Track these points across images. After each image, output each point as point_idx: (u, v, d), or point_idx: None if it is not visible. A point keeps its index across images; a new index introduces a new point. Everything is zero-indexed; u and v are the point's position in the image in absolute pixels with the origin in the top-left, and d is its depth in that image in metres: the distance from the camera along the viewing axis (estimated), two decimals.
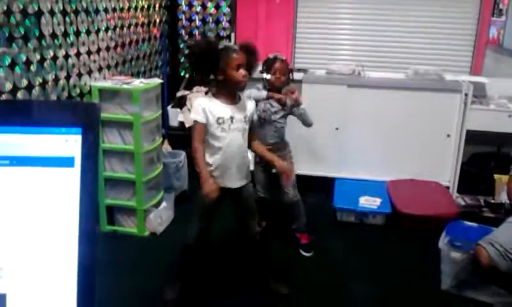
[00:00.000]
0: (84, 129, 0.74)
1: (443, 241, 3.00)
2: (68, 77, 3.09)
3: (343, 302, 2.87)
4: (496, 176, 4.01)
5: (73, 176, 0.75)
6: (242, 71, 2.42)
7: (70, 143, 0.74)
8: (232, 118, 2.46)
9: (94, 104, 0.79)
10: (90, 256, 0.75)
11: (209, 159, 2.51)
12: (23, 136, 0.73)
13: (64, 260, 0.76)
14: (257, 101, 2.99)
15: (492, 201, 3.94)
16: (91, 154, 0.75)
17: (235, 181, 2.58)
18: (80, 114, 0.75)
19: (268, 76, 3.14)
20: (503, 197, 3.89)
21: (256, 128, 2.74)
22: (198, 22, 4.82)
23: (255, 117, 2.69)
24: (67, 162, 0.74)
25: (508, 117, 3.88)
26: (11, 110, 0.76)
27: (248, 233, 2.74)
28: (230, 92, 2.50)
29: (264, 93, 3.14)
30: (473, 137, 4.02)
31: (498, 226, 2.87)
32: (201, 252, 2.82)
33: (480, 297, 2.85)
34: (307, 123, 3.19)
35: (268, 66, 3.15)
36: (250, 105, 2.59)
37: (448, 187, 4.10)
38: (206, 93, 2.53)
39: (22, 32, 2.63)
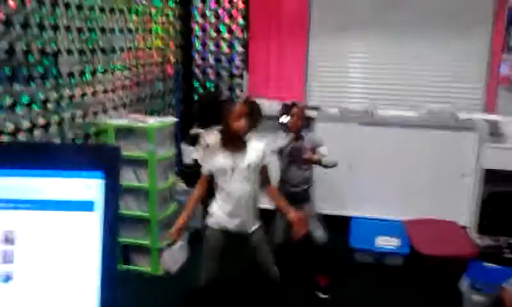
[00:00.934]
0: (105, 173, 0.72)
1: (464, 283, 2.91)
2: (84, 115, 3.11)
3: None
4: None
5: (93, 220, 0.73)
6: (241, 121, 2.47)
7: (90, 187, 0.72)
8: (232, 168, 2.49)
9: (116, 148, 0.78)
10: (111, 300, 0.72)
11: (221, 203, 2.58)
12: (44, 179, 0.72)
13: (85, 304, 0.74)
14: (281, 149, 3.18)
15: None
16: (113, 198, 0.73)
17: (243, 226, 2.58)
18: (102, 157, 0.74)
19: (286, 119, 3.20)
20: None
21: (273, 175, 2.75)
22: (211, 61, 4.88)
23: (267, 161, 2.67)
24: (87, 206, 0.72)
25: None
26: (32, 153, 0.75)
27: (268, 276, 2.67)
28: (232, 142, 2.52)
29: (285, 139, 3.22)
30: (492, 176, 3.94)
31: None
32: (212, 295, 2.74)
33: None
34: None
35: (286, 110, 3.23)
36: (256, 153, 2.57)
37: (464, 227, 4.01)
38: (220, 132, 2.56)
39: (41, 71, 2.66)
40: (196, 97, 4.92)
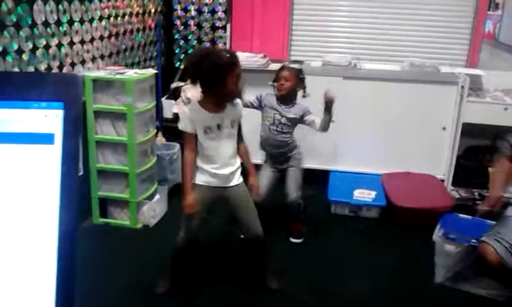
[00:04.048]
0: (65, 103, 0.70)
1: (437, 234, 2.99)
2: (61, 67, 3.05)
3: (336, 294, 2.85)
4: (490, 169, 3.98)
5: (52, 153, 0.71)
6: (238, 85, 2.48)
7: (50, 118, 0.71)
8: (219, 125, 2.48)
9: (76, 76, 0.75)
10: (71, 235, 0.72)
11: (202, 165, 2.56)
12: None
13: (44, 239, 0.73)
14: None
15: (486, 194, 3.92)
16: (74, 130, 0.72)
17: (227, 183, 2.59)
18: (62, 86, 0.71)
19: (274, 83, 3.22)
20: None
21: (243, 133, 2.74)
22: (193, 12, 4.78)
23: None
24: (46, 139, 0.71)
25: (504, 110, 3.86)
26: None
27: (251, 232, 2.68)
28: (219, 101, 2.49)
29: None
30: (468, 130, 4.00)
31: (493, 219, 2.85)
32: (191, 253, 2.76)
33: (474, 289, 2.84)
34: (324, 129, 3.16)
35: (276, 75, 3.24)
36: (237, 110, 2.57)
37: (443, 180, 4.09)
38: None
39: (14, 20, 2.58)
40: (187, 50, 4.85)
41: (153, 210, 3.59)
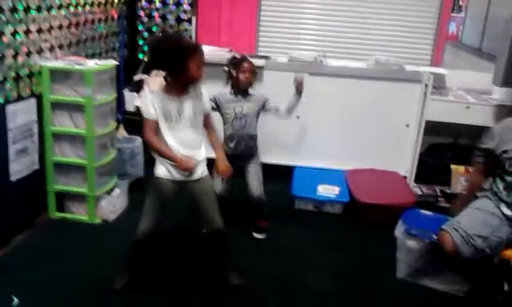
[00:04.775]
0: None
1: (399, 229, 2.99)
2: (15, 56, 2.92)
3: (298, 289, 2.83)
4: (452, 166, 4.04)
5: None
6: (201, 70, 2.41)
7: None
8: (179, 112, 2.41)
9: None
10: None
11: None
12: None
13: None
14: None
15: (448, 191, 3.98)
16: None
17: (189, 176, 2.50)
18: None
19: (234, 73, 3.15)
20: (458, 188, 3.93)
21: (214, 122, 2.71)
22: (158, 4, 4.69)
23: (209, 107, 2.66)
24: None
25: (465, 108, 3.91)
26: None
27: (213, 226, 2.62)
28: (182, 87, 2.43)
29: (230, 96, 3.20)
30: (431, 128, 4.04)
31: (453, 215, 2.87)
32: (151, 247, 2.71)
33: (435, 285, 2.86)
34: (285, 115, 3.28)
35: (237, 64, 3.16)
36: (201, 99, 2.51)
37: (406, 177, 4.12)
38: (164, 78, 2.44)
39: None
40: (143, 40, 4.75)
41: (113, 204, 3.49)
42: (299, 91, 3.20)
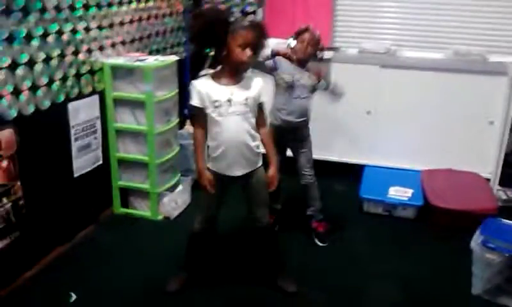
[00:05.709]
0: None
1: (476, 240, 2.69)
2: (76, 53, 2.94)
3: (361, 301, 2.64)
4: None
5: None
6: (248, 51, 2.22)
7: None
8: (229, 100, 2.26)
9: None
10: None
11: (211, 144, 2.38)
12: None
13: None
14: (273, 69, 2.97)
15: None
16: None
17: (239, 169, 2.39)
18: None
19: (294, 42, 2.97)
20: None
21: (266, 111, 2.55)
22: None
23: (264, 99, 2.46)
24: None
25: None
26: None
27: (256, 222, 2.54)
28: (230, 72, 2.30)
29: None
30: None
31: None
32: (207, 242, 2.68)
33: None
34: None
35: (297, 34, 2.98)
36: (255, 86, 2.36)
37: (488, 179, 3.75)
38: (211, 64, 2.33)
39: (21, 4, 2.48)
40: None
41: (175, 201, 3.47)
42: (320, 79, 3.04)
